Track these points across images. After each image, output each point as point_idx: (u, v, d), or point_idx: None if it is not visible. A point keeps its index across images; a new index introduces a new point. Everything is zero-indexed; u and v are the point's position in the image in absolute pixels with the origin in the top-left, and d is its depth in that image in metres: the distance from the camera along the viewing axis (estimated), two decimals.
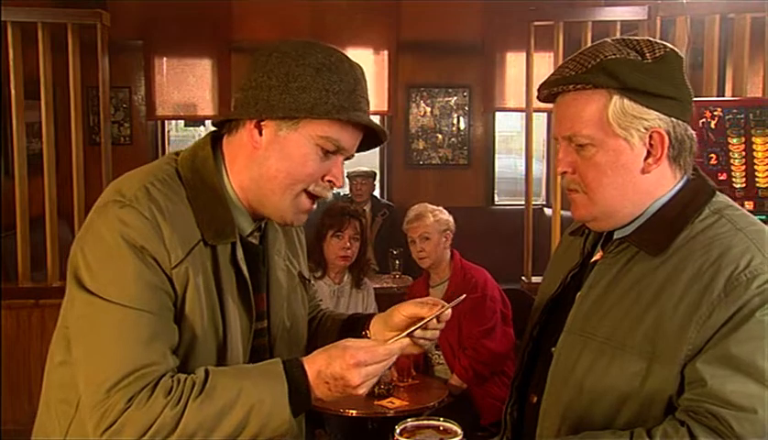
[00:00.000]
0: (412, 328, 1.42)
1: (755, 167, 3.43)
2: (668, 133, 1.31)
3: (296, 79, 1.31)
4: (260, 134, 1.35)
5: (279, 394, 1.25)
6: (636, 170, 1.32)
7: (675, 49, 1.34)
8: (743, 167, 3.43)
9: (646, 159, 1.32)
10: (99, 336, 1.24)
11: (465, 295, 1.47)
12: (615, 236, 1.39)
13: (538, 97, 1.44)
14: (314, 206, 1.42)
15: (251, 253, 1.43)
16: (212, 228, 1.33)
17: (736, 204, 1.37)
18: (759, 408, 1.17)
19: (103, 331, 1.24)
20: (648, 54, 1.31)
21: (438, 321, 1.44)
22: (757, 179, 3.44)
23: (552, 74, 1.39)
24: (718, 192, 1.37)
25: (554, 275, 1.55)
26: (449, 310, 1.43)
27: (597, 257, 1.44)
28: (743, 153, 3.44)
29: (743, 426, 1.17)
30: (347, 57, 1.37)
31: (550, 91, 1.37)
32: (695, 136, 1.36)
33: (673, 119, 1.31)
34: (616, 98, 1.29)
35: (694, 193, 1.35)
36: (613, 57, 1.30)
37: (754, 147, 3.44)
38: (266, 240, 1.49)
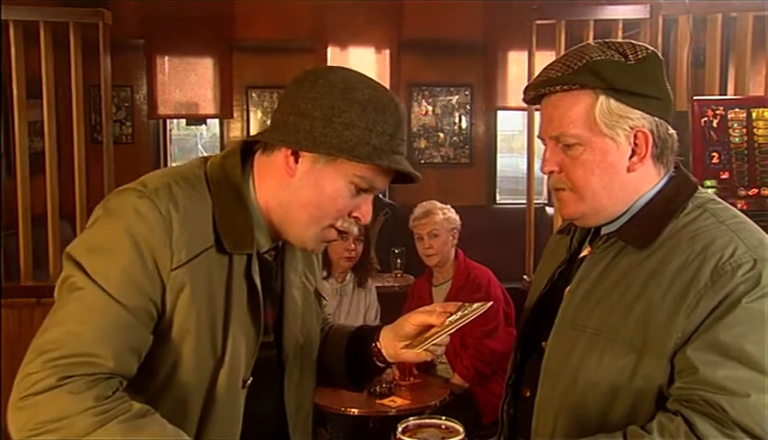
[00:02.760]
0: (431, 340, 1.41)
1: (757, 165, 3.43)
2: (652, 132, 1.34)
3: (341, 114, 1.29)
4: (296, 161, 1.33)
5: None
6: (622, 168, 1.36)
7: (656, 50, 1.38)
8: (745, 165, 3.42)
9: (631, 157, 1.35)
10: (66, 308, 1.22)
11: (491, 302, 1.47)
12: (602, 232, 1.42)
13: (524, 99, 1.47)
14: (338, 238, 1.42)
15: (265, 269, 1.41)
16: (232, 236, 1.32)
17: (717, 198, 1.41)
18: (752, 392, 1.20)
19: (72, 304, 1.21)
20: (631, 55, 1.35)
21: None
22: (759, 178, 3.43)
23: (537, 76, 1.43)
24: (700, 188, 1.41)
25: (543, 274, 1.57)
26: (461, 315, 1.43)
27: (584, 253, 1.46)
28: (745, 152, 3.43)
29: (737, 410, 1.19)
30: (393, 95, 1.36)
31: (536, 92, 1.41)
32: (675, 134, 1.40)
33: (656, 119, 1.35)
34: (602, 98, 1.32)
35: (678, 189, 1.38)
36: (599, 58, 1.34)
37: (756, 146, 3.43)
38: (283, 257, 1.48)
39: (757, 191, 3.43)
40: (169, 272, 1.25)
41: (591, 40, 1.34)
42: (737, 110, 3.42)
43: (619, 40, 1.39)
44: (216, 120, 6.89)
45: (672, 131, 1.38)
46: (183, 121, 8.58)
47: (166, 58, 6.26)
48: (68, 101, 4.47)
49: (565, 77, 1.35)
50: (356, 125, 1.29)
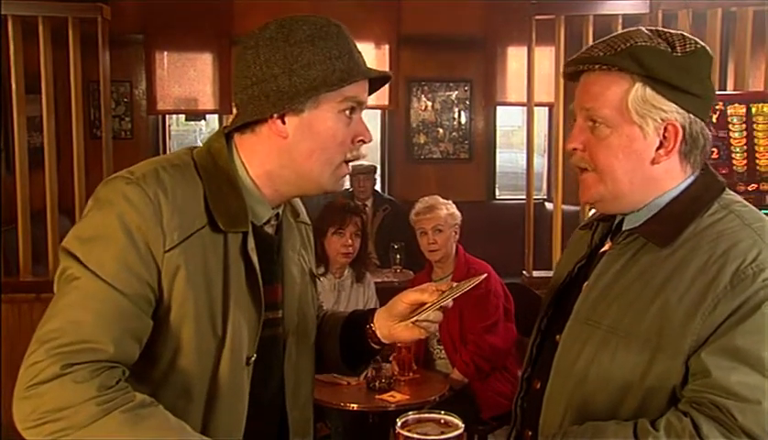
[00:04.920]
0: (422, 314, 1.42)
1: (757, 161, 3.43)
2: (683, 128, 1.32)
3: (296, 58, 1.31)
4: (283, 123, 1.34)
5: None
6: (647, 158, 1.34)
7: (707, 46, 1.35)
8: (745, 161, 3.42)
9: (657, 149, 1.33)
10: (65, 298, 1.22)
11: (485, 274, 1.48)
12: (624, 228, 1.40)
13: (563, 74, 1.45)
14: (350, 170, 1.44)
15: (266, 243, 1.42)
16: (226, 216, 1.32)
17: (744, 201, 1.38)
18: (763, 399, 1.18)
19: (71, 294, 1.22)
20: (678, 47, 1.32)
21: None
22: (758, 173, 3.44)
23: (580, 53, 1.40)
24: (727, 189, 1.38)
25: (563, 268, 1.56)
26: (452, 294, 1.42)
27: (605, 248, 1.45)
28: (745, 147, 3.43)
29: (747, 417, 1.18)
30: (326, 17, 1.38)
31: (576, 68, 1.39)
32: (710, 136, 1.37)
33: (691, 115, 1.32)
34: (638, 85, 1.31)
35: (704, 188, 1.36)
36: (644, 44, 1.31)
37: (756, 141, 3.43)
38: (281, 234, 1.48)
39: (756, 186, 3.43)
40: (162, 255, 1.25)
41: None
42: (736, 105, 3.42)
43: (672, 30, 1.36)
44: (216, 115, 6.89)
45: (707, 132, 1.36)
46: (183, 116, 8.59)
47: (165, 53, 6.25)
48: (67, 96, 4.47)
49: (606, 57, 1.33)
50: (315, 60, 1.32)
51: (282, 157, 1.36)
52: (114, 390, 1.18)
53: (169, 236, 1.25)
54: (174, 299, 1.27)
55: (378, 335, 1.54)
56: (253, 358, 1.38)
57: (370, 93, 1.44)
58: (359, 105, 1.38)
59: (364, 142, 1.41)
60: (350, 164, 1.42)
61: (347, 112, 1.36)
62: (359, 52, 1.40)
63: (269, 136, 1.35)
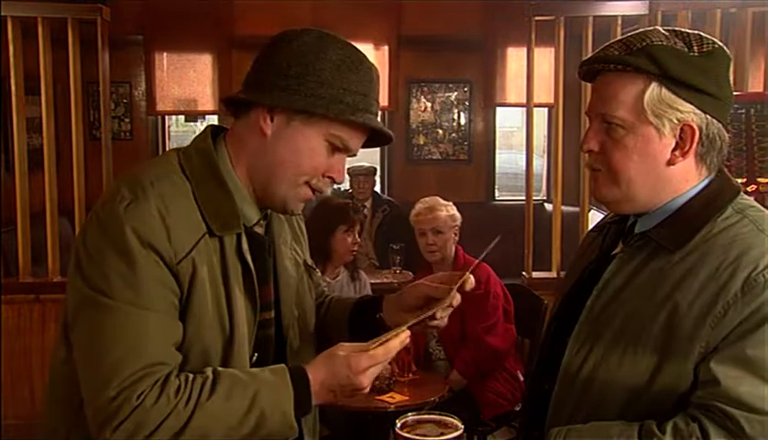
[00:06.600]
0: (420, 318, 1.42)
1: (756, 162, 3.42)
2: (700, 129, 1.30)
3: (314, 73, 1.32)
4: (271, 119, 1.35)
5: (285, 400, 1.27)
6: (662, 159, 1.32)
7: (725, 47, 1.33)
8: (744, 162, 3.42)
9: (673, 150, 1.32)
10: (105, 335, 1.24)
11: (499, 237, 1.47)
12: (636, 231, 1.39)
13: (578, 74, 1.43)
14: (314, 197, 1.44)
15: (257, 244, 1.43)
16: (218, 220, 1.33)
17: (759, 205, 1.37)
18: None
19: (109, 329, 1.24)
20: (696, 47, 1.30)
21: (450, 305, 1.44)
22: (758, 173, 3.43)
23: (596, 52, 1.39)
24: (741, 193, 1.37)
25: (574, 270, 1.55)
26: (458, 296, 1.43)
27: (616, 251, 1.44)
28: (744, 148, 3.43)
29: (754, 427, 1.18)
30: (366, 56, 1.38)
31: (591, 67, 1.38)
32: (728, 138, 1.36)
33: (708, 116, 1.30)
34: (654, 85, 1.29)
35: (718, 192, 1.35)
36: (660, 43, 1.30)
37: (755, 142, 3.43)
38: (271, 231, 1.50)
39: (756, 187, 3.43)
40: (175, 266, 1.27)
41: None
42: (735, 106, 3.42)
43: (689, 30, 1.35)
44: (215, 116, 6.88)
45: (724, 133, 1.33)
46: (182, 117, 8.60)
47: (165, 54, 6.25)
48: (66, 97, 4.47)
49: (622, 57, 1.31)
50: (331, 83, 1.32)
51: (257, 155, 1.37)
52: (184, 387, 1.23)
53: (178, 248, 1.27)
54: (191, 304, 1.30)
55: (388, 325, 1.54)
56: (255, 358, 1.40)
57: (366, 147, 1.43)
58: (345, 150, 1.38)
59: (333, 180, 1.40)
60: (323, 189, 1.41)
61: (330, 147, 1.36)
62: (377, 103, 1.39)
63: (254, 126, 1.36)
